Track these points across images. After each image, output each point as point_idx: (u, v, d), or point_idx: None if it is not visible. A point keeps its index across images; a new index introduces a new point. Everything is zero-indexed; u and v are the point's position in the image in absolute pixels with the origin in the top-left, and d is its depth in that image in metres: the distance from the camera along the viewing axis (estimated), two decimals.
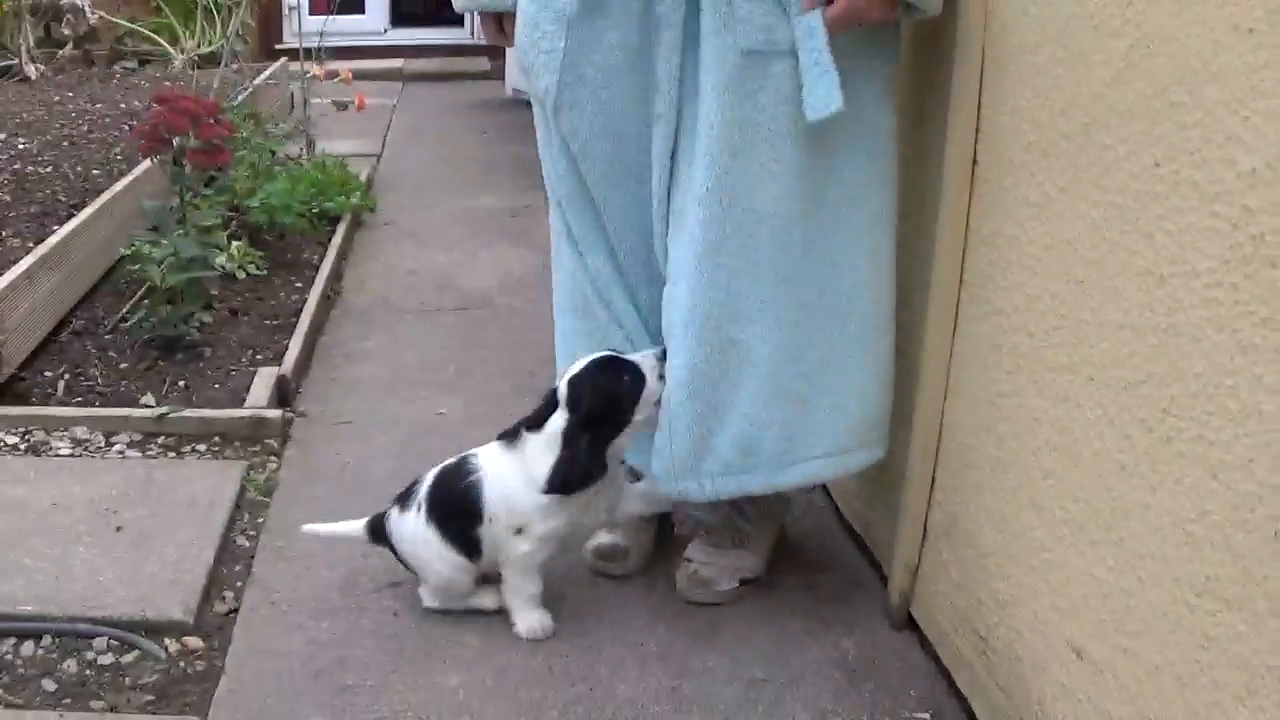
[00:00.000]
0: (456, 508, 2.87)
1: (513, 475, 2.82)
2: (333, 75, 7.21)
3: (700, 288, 2.67)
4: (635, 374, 2.79)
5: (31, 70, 8.70)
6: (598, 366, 2.79)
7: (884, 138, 2.71)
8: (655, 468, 2.83)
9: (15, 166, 5.92)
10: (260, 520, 3.36)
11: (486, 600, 2.95)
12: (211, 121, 4.30)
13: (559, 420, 2.78)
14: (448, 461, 2.96)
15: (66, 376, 4.15)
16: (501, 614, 2.92)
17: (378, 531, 2.96)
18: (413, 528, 2.89)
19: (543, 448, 2.78)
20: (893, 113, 2.72)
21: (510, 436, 2.88)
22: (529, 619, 2.88)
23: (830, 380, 2.75)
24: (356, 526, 3.00)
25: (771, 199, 2.62)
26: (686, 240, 2.69)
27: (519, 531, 2.82)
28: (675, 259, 2.74)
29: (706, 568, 3.05)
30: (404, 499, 2.94)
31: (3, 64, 8.73)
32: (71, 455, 3.65)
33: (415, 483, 2.96)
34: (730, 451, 2.75)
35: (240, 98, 7.01)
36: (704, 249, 2.65)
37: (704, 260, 2.65)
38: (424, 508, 2.88)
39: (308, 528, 3.01)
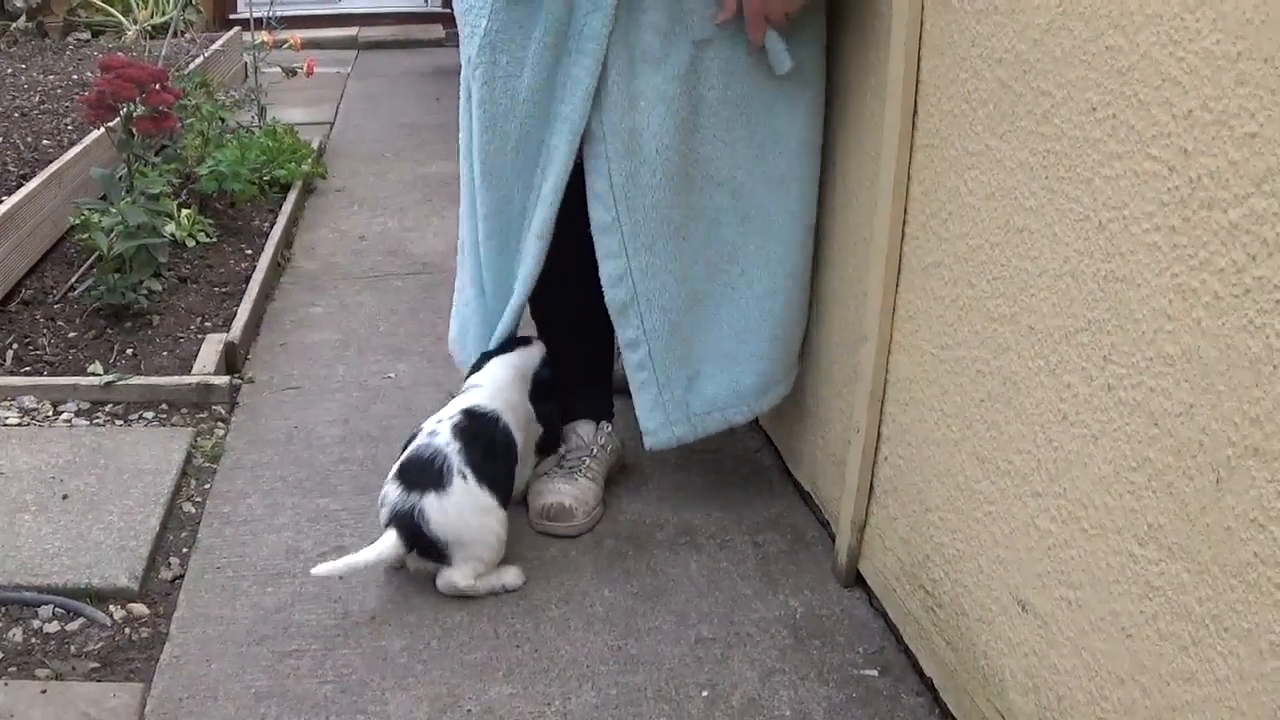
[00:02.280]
0: (502, 461, 2.95)
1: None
2: (281, 43, 7.15)
3: (670, 255, 2.91)
4: None
5: None
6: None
7: (820, 90, 2.92)
8: (647, 422, 3.00)
9: None
10: (207, 487, 3.34)
11: (511, 577, 2.92)
12: (158, 88, 4.25)
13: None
14: (452, 422, 2.91)
15: (15, 346, 4.10)
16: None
17: (415, 531, 2.77)
18: (461, 499, 2.80)
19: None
20: (823, 68, 2.92)
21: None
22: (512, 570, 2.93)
23: (783, 315, 3.01)
24: (381, 547, 2.77)
25: (727, 166, 2.88)
26: (646, 214, 2.87)
27: None
28: (637, 232, 2.88)
29: (572, 499, 3.15)
30: (428, 480, 2.80)
31: None
32: (19, 424, 3.62)
33: (421, 461, 2.84)
34: (716, 391, 3.02)
35: (191, 66, 6.96)
36: (670, 221, 2.86)
37: (671, 231, 2.89)
38: (471, 474, 2.82)
39: (320, 570, 2.74)
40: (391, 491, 2.83)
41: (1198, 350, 1.65)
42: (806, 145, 2.94)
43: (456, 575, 2.83)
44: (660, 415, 3.01)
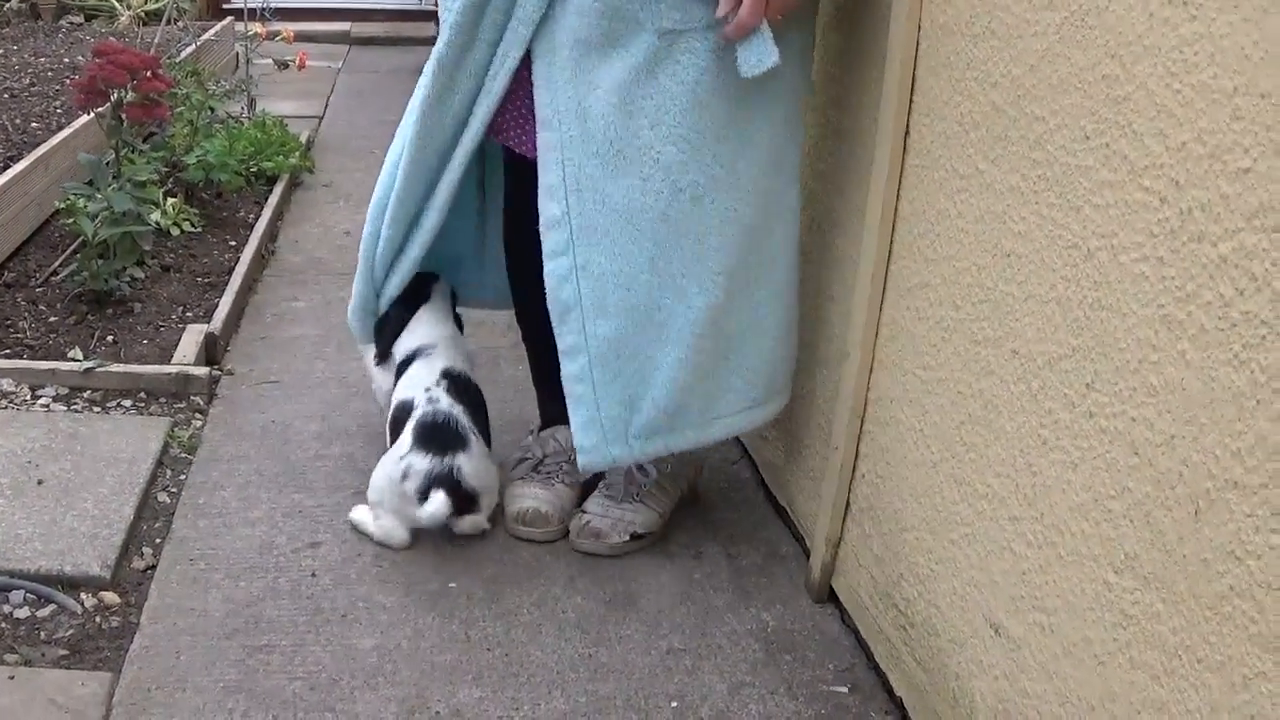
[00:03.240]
0: (484, 413, 3.21)
1: None
2: (274, 35, 7.14)
3: (621, 257, 2.72)
4: None
5: None
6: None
7: (798, 101, 2.82)
8: (582, 440, 2.82)
9: None
10: (183, 477, 3.33)
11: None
12: (149, 76, 4.24)
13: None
14: (443, 387, 3.12)
15: None
16: (420, 578, 2.94)
17: (456, 488, 2.97)
18: (479, 454, 3.05)
19: None
20: (808, 77, 2.85)
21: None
22: None
23: (748, 339, 2.86)
24: (433, 507, 2.93)
25: (691, 170, 2.69)
26: (598, 211, 2.72)
27: None
28: (586, 228, 2.73)
29: (600, 519, 3.10)
30: (455, 443, 3.01)
31: None
32: None
33: (439, 426, 3.03)
34: (656, 414, 2.80)
35: (183, 54, 6.95)
36: (623, 221, 2.71)
37: (623, 231, 2.71)
38: (476, 431, 3.09)
39: (360, 517, 3.13)
40: (420, 461, 2.97)
41: (1181, 382, 1.66)
42: (781, 158, 2.81)
43: (482, 518, 3.09)
44: (596, 433, 2.82)
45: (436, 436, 3.00)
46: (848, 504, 2.79)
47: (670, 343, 2.77)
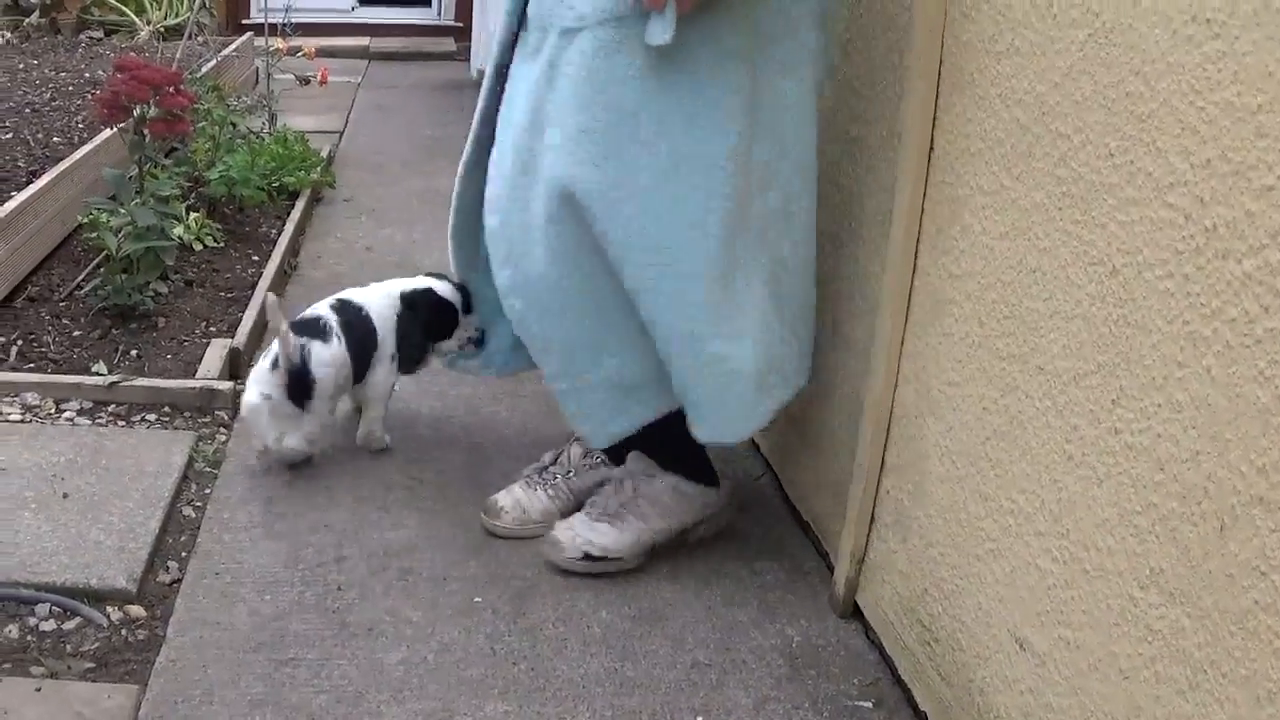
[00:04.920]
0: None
1: None
2: (295, 51, 7.16)
3: (540, 260, 2.75)
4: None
5: None
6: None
7: (719, 102, 2.61)
8: (583, 426, 2.97)
9: None
10: (207, 492, 3.34)
11: None
12: (172, 91, 4.25)
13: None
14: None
15: (20, 342, 4.11)
16: (447, 592, 2.94)
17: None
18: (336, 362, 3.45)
19: None
20: (728, 82, 2.61)
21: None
22: None
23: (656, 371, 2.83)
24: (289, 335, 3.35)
25: (597, 182, 2.63)
26: (520, 228, 2.78)
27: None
28: (516, 239, 2.80)
29: (564, 531, 3.08)
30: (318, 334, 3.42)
31: None
32: (21, 421, 3.62)
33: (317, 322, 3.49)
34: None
35: (204, 69, 6.98)
36: (534, 235, 2.74)
37: (535, 240, 2.75)
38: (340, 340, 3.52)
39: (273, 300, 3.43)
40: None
41: (1207, 398, 1.66)
42: (718, 169, 2.61)
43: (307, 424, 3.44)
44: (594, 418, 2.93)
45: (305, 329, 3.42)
46: (872, 519, 2.79)
47: (610, 373, 2.85)
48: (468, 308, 3.54)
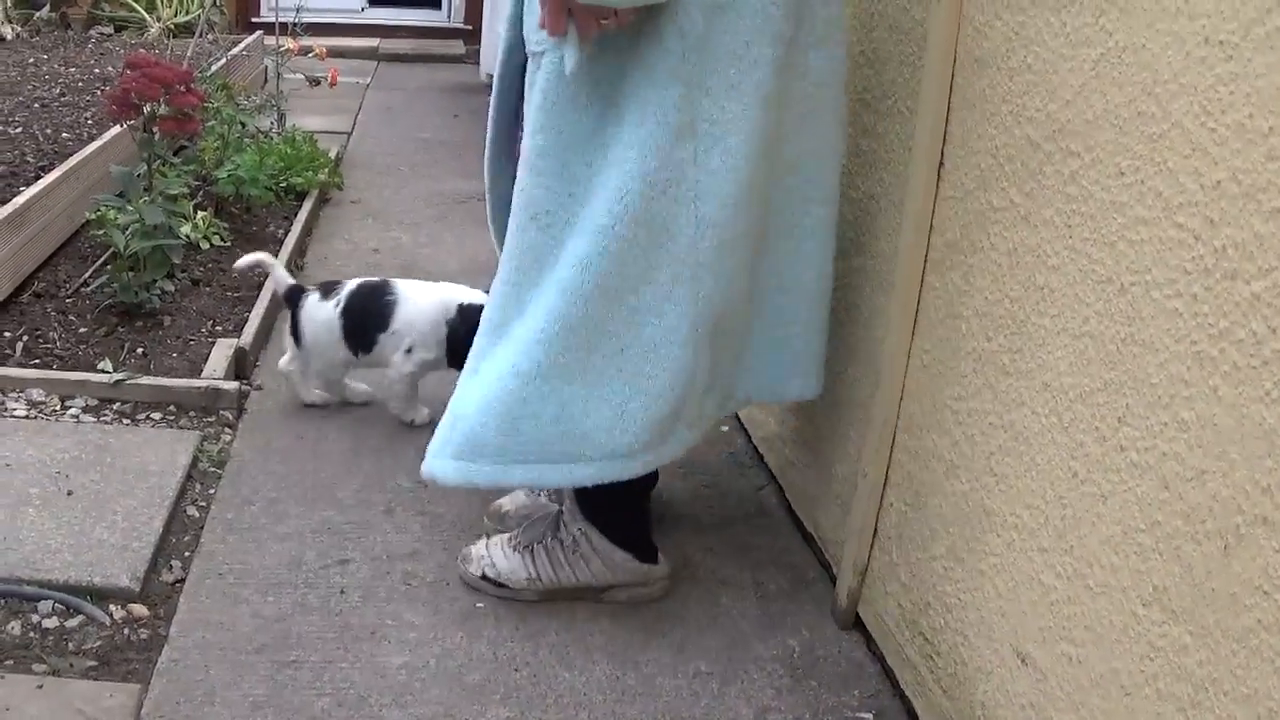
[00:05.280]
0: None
1: None
2: (306, 51, 7.17)
3: (514, 295, 2.62)
4: None
5: (8, 31, 8.69)
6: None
7: (669, 123, 2.46)
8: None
9: None
10: (211, 492, 3.35)
11: None
12: (183, 90, 4.26)
13: None
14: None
15: (25, 338, 4.12)
16: (450, 597, 2.94)
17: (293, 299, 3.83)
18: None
19: None
20: (674, 101, 2.46)
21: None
22: None
23: (574, 384, 2.62)
24: (284, 280, 3.87)
25: (538, 197, 2.55)
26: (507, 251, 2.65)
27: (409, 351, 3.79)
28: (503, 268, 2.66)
29: (476, 547, 3.06)
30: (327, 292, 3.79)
31: None
32: (26, 417, 3.63)
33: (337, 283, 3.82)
34: (462, 439, 2.68)
35: (214, 68, 6.99)
36: (514, 257, 2.61)
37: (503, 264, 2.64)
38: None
39: (263, 257, 3.72)
40: None
41: (1213, 418, 1.67)
42: (626, 193, 2.47)
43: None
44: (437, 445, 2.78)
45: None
46: (875, 531, 2.80)
47: (496, 369, 2.64)
48: None
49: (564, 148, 2.50)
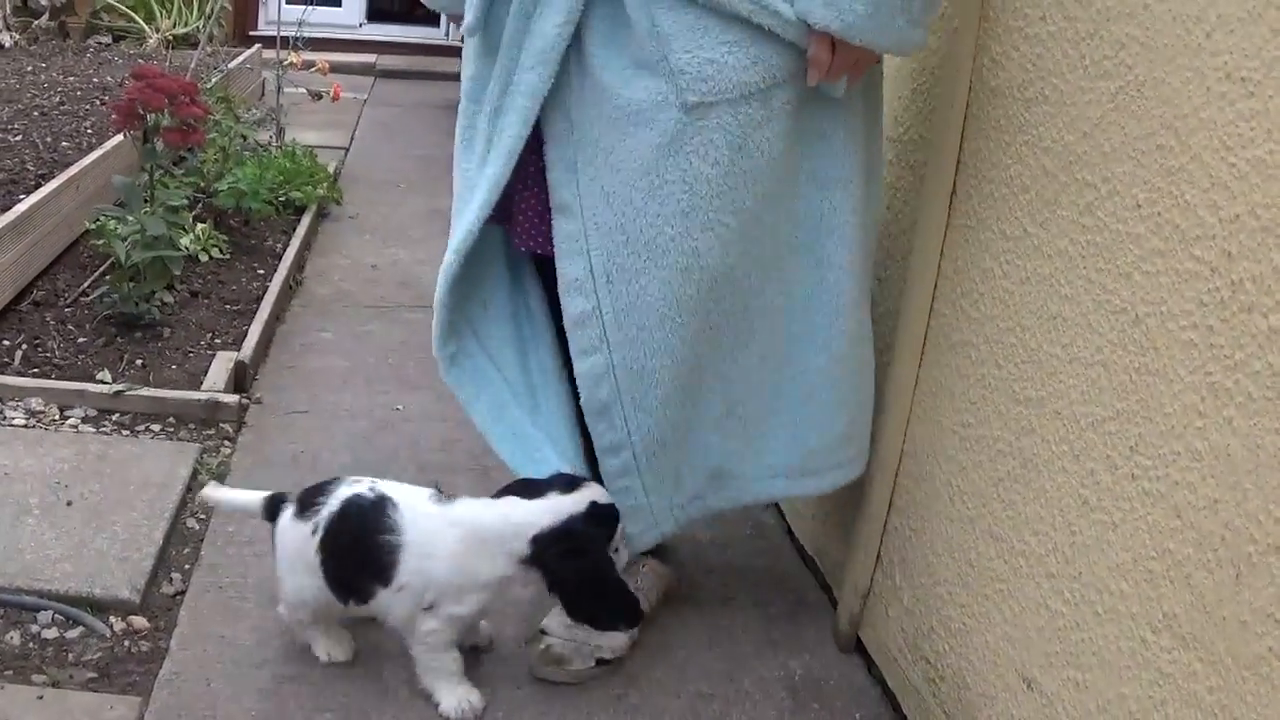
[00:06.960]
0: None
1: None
2: (308, 65, 7.18)
3: (663, 353, 2.49)
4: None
5: (6, 39, 8.70)
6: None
7: (852, 165, 2.53)
8: (631, 528, 2.62)
9: None
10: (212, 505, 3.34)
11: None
12: (188, 101, 4.27)
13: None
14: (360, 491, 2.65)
15: (24, 347, 4.11)
16: None
17: (271, 513, 2.69)
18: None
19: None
20: (866, 145, 2.57)
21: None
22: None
23: (795, 407, 2.67)
24: (255, 499, 2.74)
25: (730, 254, 2.47)
26: (635, 305, 2.48)
27: (429, 608, 2.53)
28: (622, 323, 2.49)
29: (562, 644, 2.78)
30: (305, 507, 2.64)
31: None
32: (25, 426, 3.63)
33: (322, 492, 2.66)
34: (699, 482, 2.67)
35: (215, 80, 6.99)
36: (660, 315, 2.47)
37: (662, 325, 2.47)
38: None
39: (207, 492, 2.79)
40: None
41: (1226, 448, 1.68)
42: (831, 227, 2.54)
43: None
44: (646, 519, 2.64)
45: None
46: (878, 555, 2.81)
47: (709, 417, 2.62)
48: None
49: (755, 206, 2.45)
